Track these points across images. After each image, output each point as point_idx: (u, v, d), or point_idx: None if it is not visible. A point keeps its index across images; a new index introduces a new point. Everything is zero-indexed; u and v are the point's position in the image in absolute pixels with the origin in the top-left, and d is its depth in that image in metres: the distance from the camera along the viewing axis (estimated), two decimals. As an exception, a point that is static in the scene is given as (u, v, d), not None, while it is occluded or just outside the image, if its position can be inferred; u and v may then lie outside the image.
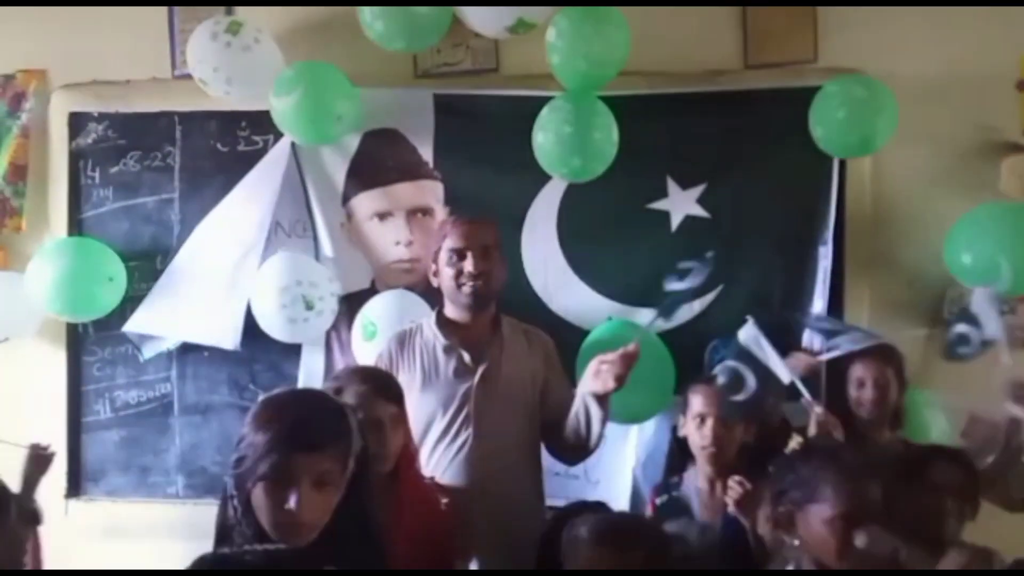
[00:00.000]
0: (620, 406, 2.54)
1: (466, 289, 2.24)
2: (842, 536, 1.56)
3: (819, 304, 2.74)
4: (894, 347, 2.44)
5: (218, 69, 2.73)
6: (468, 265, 2.24)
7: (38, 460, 2.36)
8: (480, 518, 2.07)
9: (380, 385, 1.93)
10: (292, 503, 1.30)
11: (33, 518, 2.33)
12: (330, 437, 1.38)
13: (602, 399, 2.04)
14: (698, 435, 2.20)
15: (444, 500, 2.04)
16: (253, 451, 1.34)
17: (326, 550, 1.36)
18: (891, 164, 2.77)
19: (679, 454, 2.44)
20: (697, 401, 2.22)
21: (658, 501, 2.30)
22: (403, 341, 2.32)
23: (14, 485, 2.21)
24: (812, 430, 2.16)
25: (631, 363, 1.99)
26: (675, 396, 2.53)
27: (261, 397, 1.46)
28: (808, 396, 2.19)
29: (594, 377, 2.02)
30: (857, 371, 2.40)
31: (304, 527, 1.33)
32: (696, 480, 2.24)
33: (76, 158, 3.06)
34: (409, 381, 2.25)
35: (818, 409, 2.18)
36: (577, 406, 2.12)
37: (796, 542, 1.64)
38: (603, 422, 2.09)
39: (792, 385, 2.19)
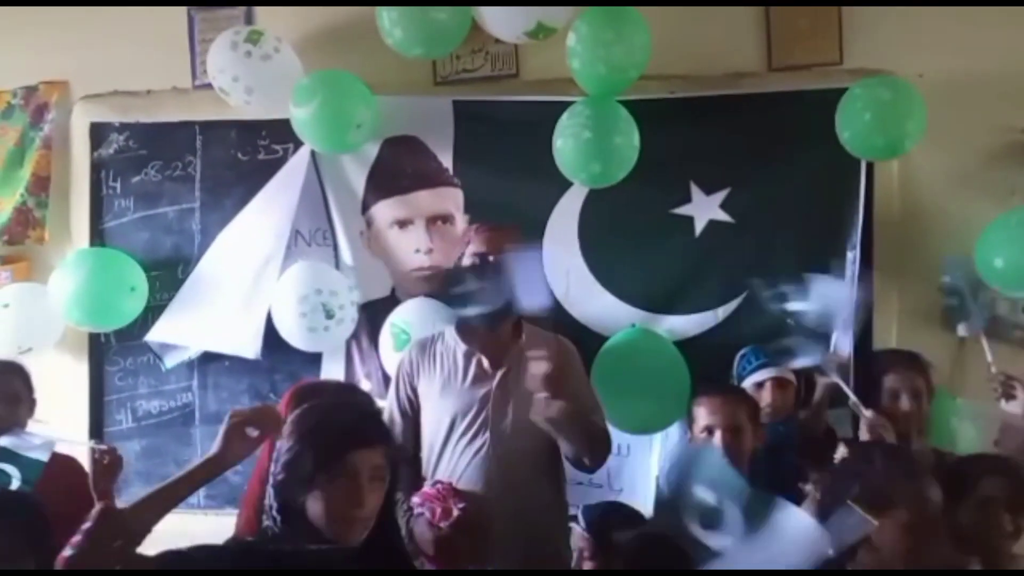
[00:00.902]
0: (635, 415, 2.53)
1: None
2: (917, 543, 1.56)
3: (848, 310, 2.68)
4: (922, 356, 2.39)
5: (238, 78, 2.74)
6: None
7: (107, 463, 2.23)
8: (498, 523, 2.04)
9: (353, 431, 1.91)
10: (358, 498, 1.40)
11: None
12: (380, 434, 1.49)
13: None
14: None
15: (461, 505, 2.02)
16: (303, 456, 1.42)
17: (372, 551, 1.43)
18: (920, 167, 2.72)
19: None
20: (703, 413, 2.18)
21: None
22: (424, 347, 2.32)
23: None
24: (864, 434, 2.16)
25: None
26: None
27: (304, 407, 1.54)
28: (854, 398, 2.19)
29: None
30: (890, 381, 2.34)
31: (360, 522, 1.42)
32: None
33: (97, 168, 3.08)
34: (429, 386, 2.25)
35: (867, 412, 2.17)
36: None
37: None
38: None
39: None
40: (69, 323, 2.91)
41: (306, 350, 2.86)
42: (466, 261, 2.29)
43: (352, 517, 1.40)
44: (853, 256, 2.70)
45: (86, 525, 1.30)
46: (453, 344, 2.29)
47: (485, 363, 2.22)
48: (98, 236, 3.07)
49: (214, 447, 1.45)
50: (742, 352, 2.59)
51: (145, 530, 1.35)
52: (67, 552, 1.29)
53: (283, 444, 1.47)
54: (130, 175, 3.06)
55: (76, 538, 1.30)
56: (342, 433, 1.43)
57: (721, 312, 2.79)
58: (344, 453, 1.41)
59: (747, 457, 2.14)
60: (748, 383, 2.49)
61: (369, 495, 1.41)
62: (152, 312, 2.97)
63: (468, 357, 2.24)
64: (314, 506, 1.40)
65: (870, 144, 2.57)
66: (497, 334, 2.28)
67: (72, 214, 3.09)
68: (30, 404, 2.46)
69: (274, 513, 1.44)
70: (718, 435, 2.12)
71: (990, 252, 2.49)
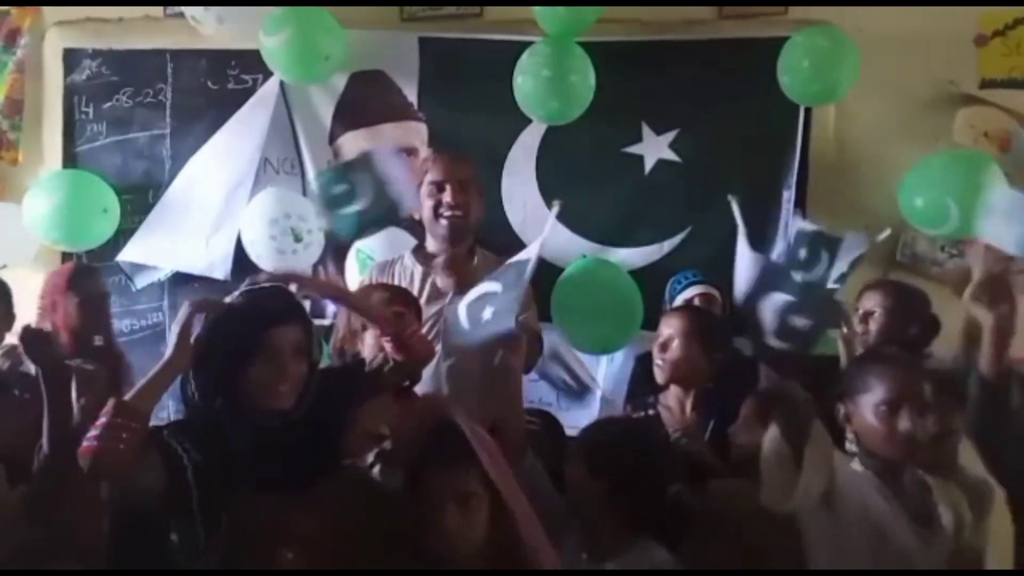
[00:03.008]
0: (590, 337, 2.70)
1: (443, 220, 2.39)
2: (887, 421, 1.70)
3: (780, 245, 2.88)
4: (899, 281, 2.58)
5: (209, 7, 2.82)
6: (447, 196, 2.38)
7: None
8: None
9: (398, 293, 2.12)
10: (282, 372, 1.53)
11: None
12: (296, 311, 1.61)
13: None
14: (660, 358, 2.30)
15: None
16: (225, 337, 1.53)
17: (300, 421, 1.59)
18: (855, 113, 2.92)
19: (644, 382, 2.58)
20: (664, 324, 2.32)
21: (635, 416, 2.41)
22: (384, 269, 2.48)
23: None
24: None
25: None
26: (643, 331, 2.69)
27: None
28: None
29: None
30: (865, 303, 2.48)
31: (285, 394, 1.55)
32: (668, 400, 2.37)
33: (70, 93, 3.15)
34: None
35: None
36: None
37: (851, 435, 1.76)
38: None
39: None
40: (43, 242, 3.01)
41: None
42: (424, 189, 2.44)
43: (277, 390, 1.54)
44: (788, 195, 2.90)
45: (104, 419, 1.41)
46: (411, 266, 2.45)
47: (440, 282, 2.38)
48: (71, 159, 3.15)
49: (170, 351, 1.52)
50: (673, 278, 2.74)
51: (149, 416, 1.47)
52: (91, 443, 1.40)
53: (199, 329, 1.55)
54: (102, 100, 3.15)
55: (95, 431, 1.40)
56: (259, 313, 1.55)
57: (667, 245, 2.98)
58: (262, 332, 1.53)
59: (705, 372, 2.26)
60: (678, 301, 2.64)
61: (292, 368, 1.55)
62: (123, 235, 3.07)
63: (424, 278, 2.41)
64: (241, 381, 1.53)
65: (806, 89, 2.75)
66: (451, 258, 2.44)
67: (45, 137, 3.17)
68: (9, 320, 2.53)
69: (193, 391, 1.56)
70: (675, 343, 2.26)
71: (912, 193, 2.69)
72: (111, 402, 1.45)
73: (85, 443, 1.42)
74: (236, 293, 1.62)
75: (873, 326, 2.45)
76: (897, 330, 2.43)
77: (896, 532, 1.66)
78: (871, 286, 2.54)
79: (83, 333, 2.44)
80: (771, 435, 1.62)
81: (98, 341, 2.44)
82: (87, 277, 2.52)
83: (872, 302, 2.48)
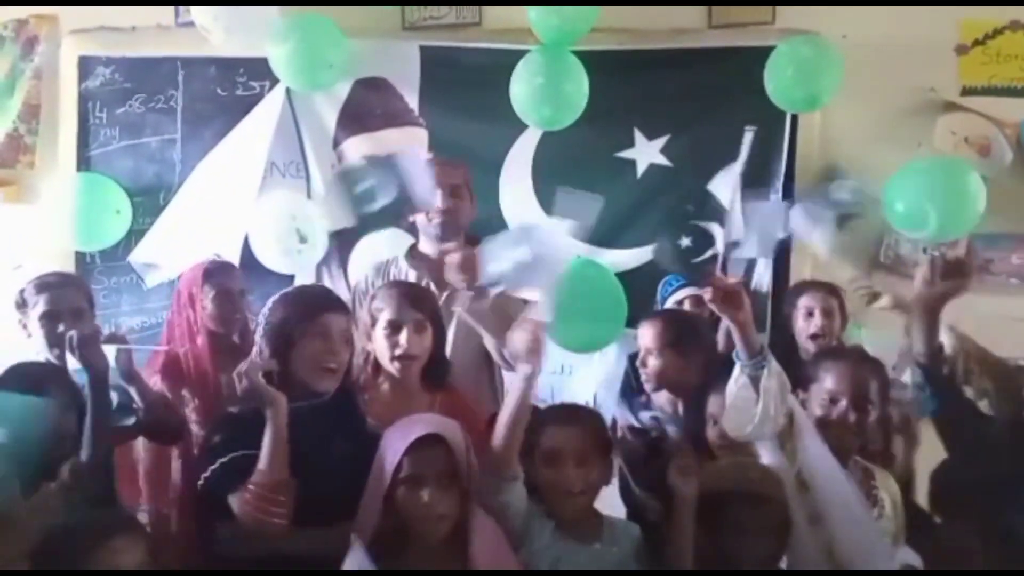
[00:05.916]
0: (575, 335, 2.79)
1: (435, 222, 2.48)
2: (827, 410, 1.88)
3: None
4: (834, 283, 2.68)
5: (218, 17, 2.93)
6: (437, 201, 2.46)
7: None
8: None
9: (407, 293, 2.15)
10: (331, 351, 1.71)
11: None
12: (339, 302, 1.83)
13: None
14: (643, 370, 2.33)
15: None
16: (286, 319, 1.72)
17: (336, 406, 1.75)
18: (839, 119, 3.02)
19: (637, 380, 2.66)
20: (647, 335, 2.33)
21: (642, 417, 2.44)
22: (379, 270, 2.57)
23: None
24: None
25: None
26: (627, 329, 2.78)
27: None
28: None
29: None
30: (805, 301, 2.62)
31: (332, 374, 1.73)
32: (660, 402, 2.43)
33: (85, 100, 3.26)
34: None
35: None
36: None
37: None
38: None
39: None
40: (58, 242, 3.12)
41: (280, 271, 3.09)
42: None
43: (326, 367, 1.70)
44: (776, 199, 2.99)
45: (259, 490, 1.57)
46: (405, 268, 2.54)
47: (432, 286, 2.46)
48: (85, 163, 3.26)
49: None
50: (664, 279, 2.85)
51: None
52: (247, 507, 1.58)
53: (265, 314, 1.75)
54: (115, 106, 3.26)
55: (250, 497, 1.57)
56: (315, 299, 1.76)
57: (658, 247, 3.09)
58: (318, 315, 1.71)
59: (694, 375, 2.26)
60: (669, 303, 2.75)
61: (341, 350, 1.72)
62: (135, 235, 3.18)
63: (419, 280, 2.48)
64: (296, 359, 1.70)
65: (791, 96, 2.86)
66: (442, 260, 2.53)
67: (60, 141, 3.28)
68: (92, 317, 2.44)
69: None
70: (652, 357, 2.28)
71: (894, 197, 2.78)
72: (271, 481, 1.58)
73: (247, 500, 1.57)
74: (275, 296, 1.81)
75: (815, 324, 2.56)
76: (833, 330, 2.56)
77: (851, 490, 1.78)
78: (811, 285, 2.66)
79: (221, 328, 2.47)
80: (734, 374, 1.80)
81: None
82: (222, 271, 2.54)
83: (810, 300, 2.59)
